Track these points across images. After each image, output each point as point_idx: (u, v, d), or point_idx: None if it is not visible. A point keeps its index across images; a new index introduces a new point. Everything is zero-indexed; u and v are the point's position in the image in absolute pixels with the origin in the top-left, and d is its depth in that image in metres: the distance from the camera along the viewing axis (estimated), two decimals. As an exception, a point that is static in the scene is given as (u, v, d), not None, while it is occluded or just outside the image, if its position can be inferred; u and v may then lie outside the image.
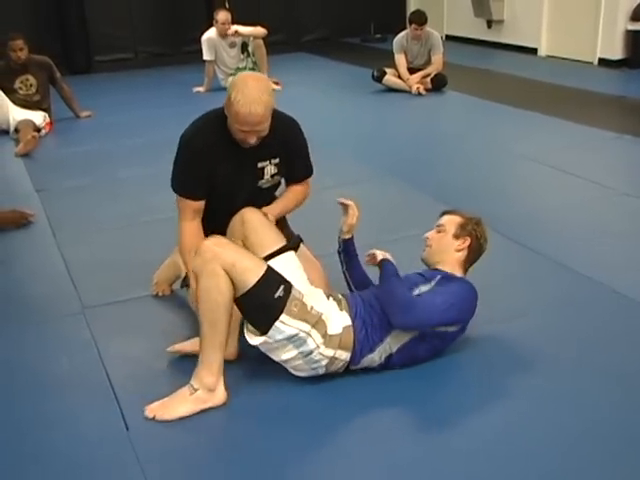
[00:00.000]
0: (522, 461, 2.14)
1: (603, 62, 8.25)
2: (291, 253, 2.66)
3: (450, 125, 6.27)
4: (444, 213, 2.82)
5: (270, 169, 2.80)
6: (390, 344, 2.51)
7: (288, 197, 2.93)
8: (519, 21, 9.41)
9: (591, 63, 8.40)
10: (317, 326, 2.41)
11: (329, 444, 2.28)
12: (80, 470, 2.19)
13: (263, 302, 2.36)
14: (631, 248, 3.59)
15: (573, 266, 3.35)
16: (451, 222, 2.74)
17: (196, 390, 2.37)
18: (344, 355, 2.47)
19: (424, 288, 2.55)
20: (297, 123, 2.87)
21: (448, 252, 2.69)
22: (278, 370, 2.51)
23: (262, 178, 2.80)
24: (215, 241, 2.43)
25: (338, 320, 2.48)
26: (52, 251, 3.76)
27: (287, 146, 2.80)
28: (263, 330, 2.38)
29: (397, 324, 2.46)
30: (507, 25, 9.63)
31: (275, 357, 2.46)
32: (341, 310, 2.52)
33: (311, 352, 2.41)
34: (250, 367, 2.61)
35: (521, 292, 3.07)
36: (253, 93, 2.52)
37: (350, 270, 2.87)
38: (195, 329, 2.88)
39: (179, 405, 2.37)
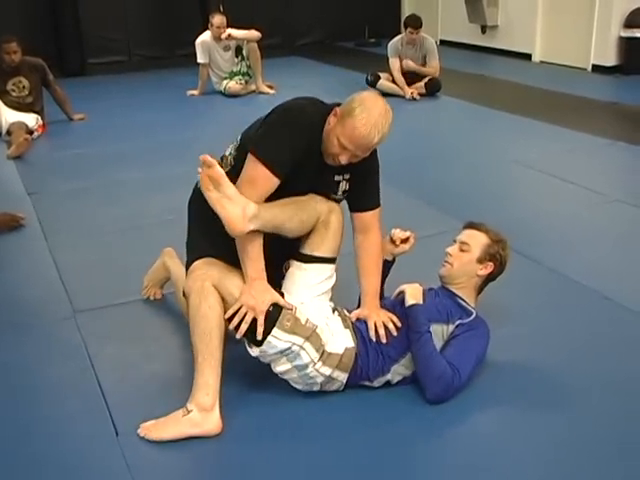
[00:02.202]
0: (510, 466, 2.14)
1: (597, 68, 8.29)
2: (332, 266, 2.57)
3: (444, 130, 6.28)
4: (469, 226, 2.71)
5: (343, 185, 2.58)
6: (391, 379, 2.49)
7: (371, 264, 2.63)
8: (513, 27, 9.44)
9: (585, 69, 8.44)
10: (311, 339, 2.35)
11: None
12: (69, 476, 2.17)
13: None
14: (623, 255, 3.59)
15: (565, 272, 3.35)
16: (477, 242, 2.63)
17: (189, 412, 2.27)
18: (342, 376, 2.42)
19: (438, 329, 2.46)
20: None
21: (468, 276, 2.62)
22: (271, 386, 2.49)
23: (336, 193, 2.59)
24: (203, 261, 2.41)
25: (341, 339, 2.42)
26: (43, 255, 3.74)
27: (360, 166, 2.54)
28: (257, 344, 2.34)
29: (430, 397, 2.40)
30: (501, 31, 9.66)
31: (273, 368, 2.42)
32: (345, 328, 2.46)
33: (306, 366, 2.36)
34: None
35: (512, 297, 3.07)
36: (379, 119, 2.34)
37: None
38: (185, 332, 2.88)
39: (170, 428, 2.26)
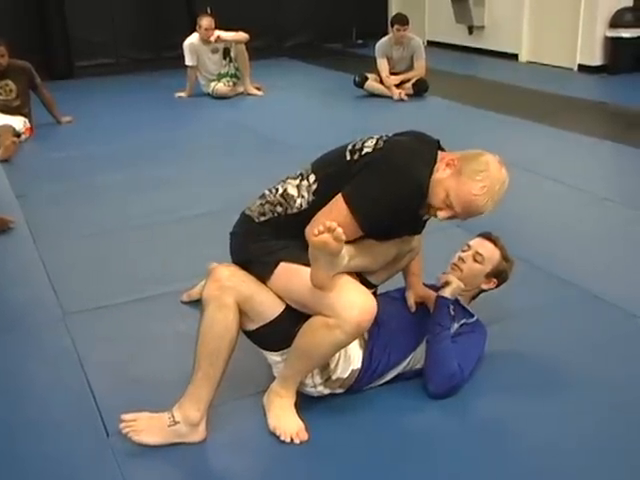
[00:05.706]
0: (500, 461, 2.17)
1: (583, 68, 8.33)
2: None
3: (431, 130, 6.19)
4: (486, 237, 2.69)
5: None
6: (387, 379, 2.49)
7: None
8: (500, 27, 9.47)
9: (571, 69, 8.49)
10: (323, 371, 2.34)
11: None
12: (61, 477, 2.18)
13: (284, 333, 2.25)
14: (611, 253, 3.61)
15: (553, 271, 3.37)
16: (491, 257, 2.64)
17: (176, 423, 2.22)
18: (339, 390, 2.42)
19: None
20: None
21: (472, 286, 2.64)
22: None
23: (419, 233, 2.48)
24: (233, 270, 2.25)
25: (350, 361, 2.37)
26: (32, 257, 3.73)
27: None
28: (269, 350, 2.34)
29: (436, 392, 2.41)
30: (488, 31, 9.69)
31: (274, 372, 2.40)
32: (360, 348, 2.40)
33: (305, 385, 2.37)
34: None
35: (500, 297, 3.07)
36: (499, 191, 2.21)
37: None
38: (175, 334, 2.89)
39: (154, 433, 2.22)
